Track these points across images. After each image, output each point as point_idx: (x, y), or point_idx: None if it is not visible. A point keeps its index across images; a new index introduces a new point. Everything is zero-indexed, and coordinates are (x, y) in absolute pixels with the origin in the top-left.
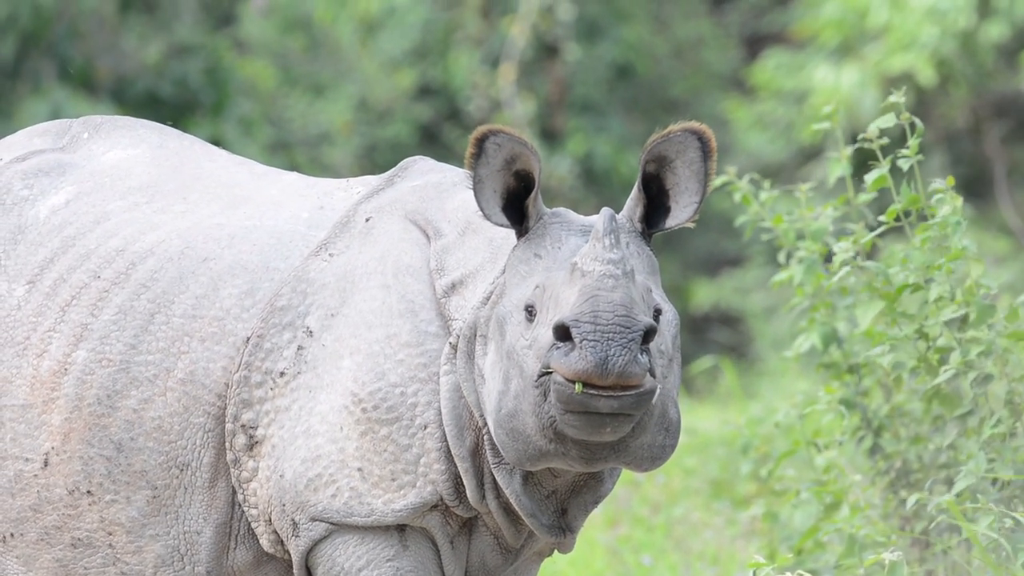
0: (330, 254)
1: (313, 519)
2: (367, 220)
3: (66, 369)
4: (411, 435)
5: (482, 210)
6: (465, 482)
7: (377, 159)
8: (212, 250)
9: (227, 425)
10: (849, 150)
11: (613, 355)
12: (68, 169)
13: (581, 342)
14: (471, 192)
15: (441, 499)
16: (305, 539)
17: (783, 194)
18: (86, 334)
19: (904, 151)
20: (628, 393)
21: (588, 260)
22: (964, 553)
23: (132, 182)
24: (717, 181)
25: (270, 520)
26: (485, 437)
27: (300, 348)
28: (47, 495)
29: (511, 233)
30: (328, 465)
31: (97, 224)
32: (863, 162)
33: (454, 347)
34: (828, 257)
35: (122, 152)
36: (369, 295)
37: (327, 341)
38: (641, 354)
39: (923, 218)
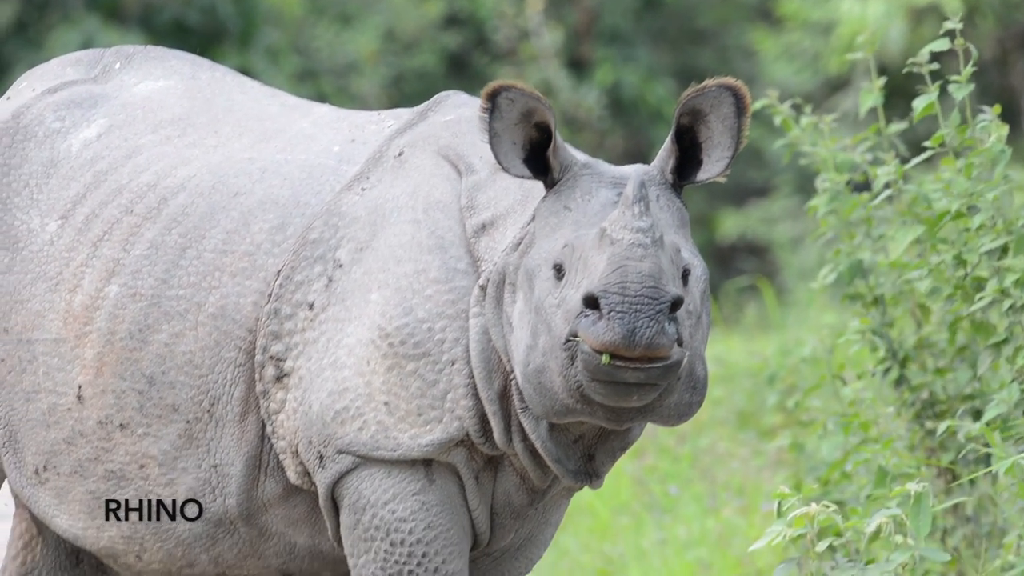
0: (362, 188)
1: (340, 452)
2: (399, 154)
3: (98, 304)
4: (438, 371)
5: (500, 162)
6: (492, 425)
7: (405, 89)
8: (243, 184)
9: (256, 357)
10: (881, 80)
11: (640, 327)
12: (100, 101)
13: (609, 313)
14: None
15: (467, 435)
16: (331, 471)
17: (815, 123)
18: (118, 269)
19: (955, 77)
20: (655, 365)
21: (617, 227)
22: (991, 485)
23: (164, 115)
24: (756, 105)
25: (297, 452)
26: (513, 382)
27: (330, 281)
28: (80, 428)
29: None
30: (355, 398)
31: (129, 158)
32: (891, 94)
33: (484, 290)
34: (859, 188)
35: (154, 84)
36: (399, 229)
37: (356, 274)
38: (668, 324)
39: (955, 153)
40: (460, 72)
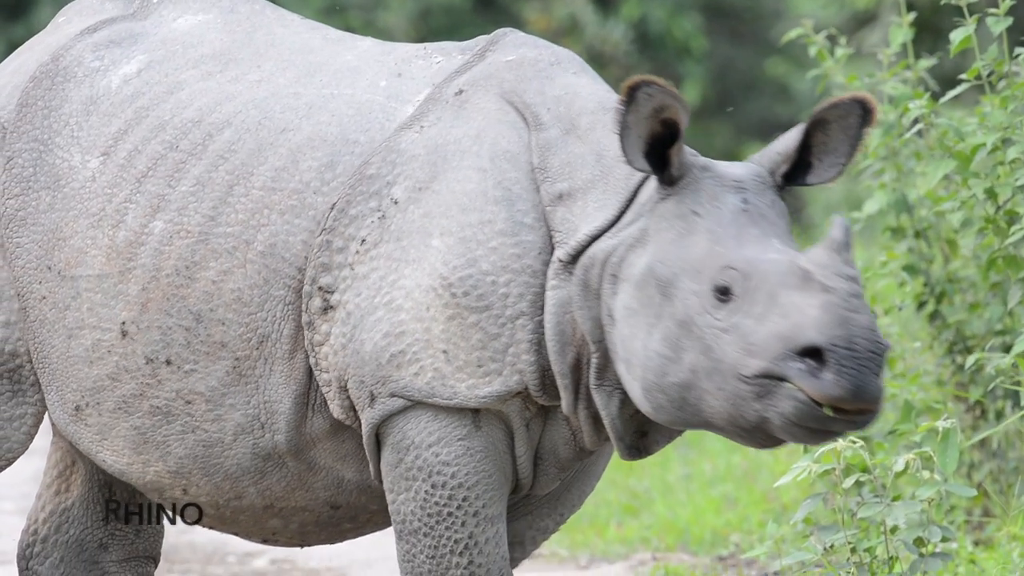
0: (421, 126)
1: (393, 394)
2: (459, 93)
3: (142, 240)
4: (500, 325)
5: (626, 155)
6: (562, 394)
7: (431, 23)
8: (290, 120)
9: (304, 287)
10: (911, 16)
11: (867, 382)
12: (139, 38)
13: (838, 369)
14: (575, 81)
15: (526, 388)
16: (380, 411)
17: (850, 55)
18: (163, 205)
19: (993, 10)
20: (870, 415)
21: (828, 273)
22: (1018, 421)
23: (204, 50)
24: (792, 34)
25: (343, 387)
26: (593, 359)
27: (384, 217)
28: (125, 364)
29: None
30: (412, 343)
31: (170, 94)
32: (919, 30)
33: (564, 264)
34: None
35: (193, 18)
36: (463, 175)
37: (414, 215)
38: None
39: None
40: (487, 7)
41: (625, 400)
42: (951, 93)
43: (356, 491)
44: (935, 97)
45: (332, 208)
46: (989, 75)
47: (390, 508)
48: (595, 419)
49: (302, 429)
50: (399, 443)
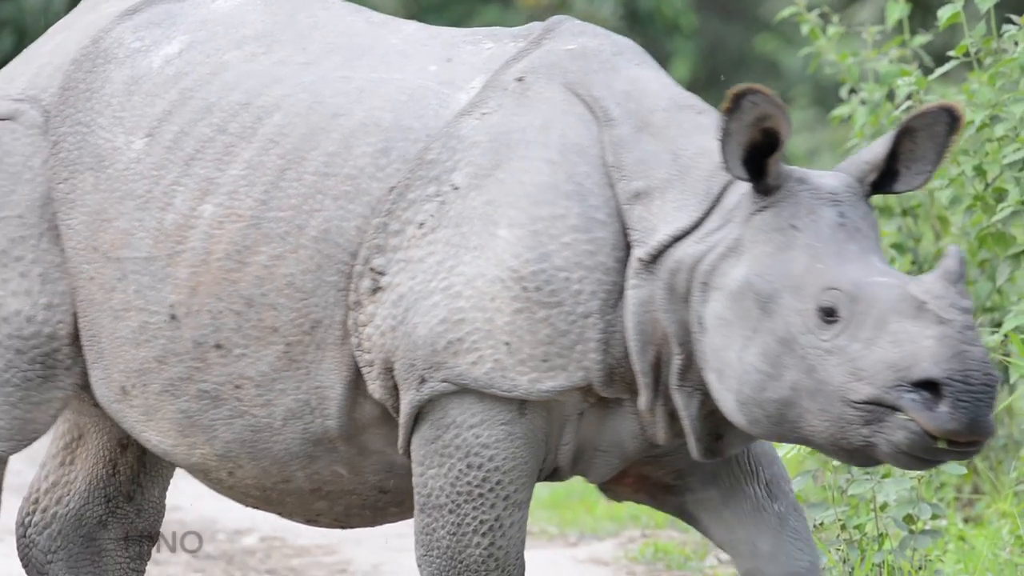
0: (482, 113)
1: (446, 380)
2: (519, 80)
3: (192, 223)
4: (570, 322)
5: (725, 161)
6: (641, 393)
7: (421, 1)
8: (341, 105)
9: (356, 267)
10: None
11: (981, 416)
12: (178, 18)
13: (954, 403)
14: (640, 74)
15: (589, 384)
16: (427, 394)
17: (842, 33)
18: (212, 188)
19: None
20: (979, 446)
21: (944, 305)
22: (1006, 395)
23: (246, 31)
24: (785, 12)
25: (388, 369)
26: (677, 359)
27: (443, 203)
28: (173, 347)
29: (702, 152)
30: (472, 332)
31: (215, 75)
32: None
33: (644, 263)
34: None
35: None
36: (531, 166)
37: (475, 201)
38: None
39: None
40: None
41: (704, 402)
42: (939, 70)
43: (406, 475)
44: (927, 73)
45: (391, 191)
46: (977, 52)
47: (415, 480)
48: (671, 417)
49: (353, 414)
50: (439, 420)
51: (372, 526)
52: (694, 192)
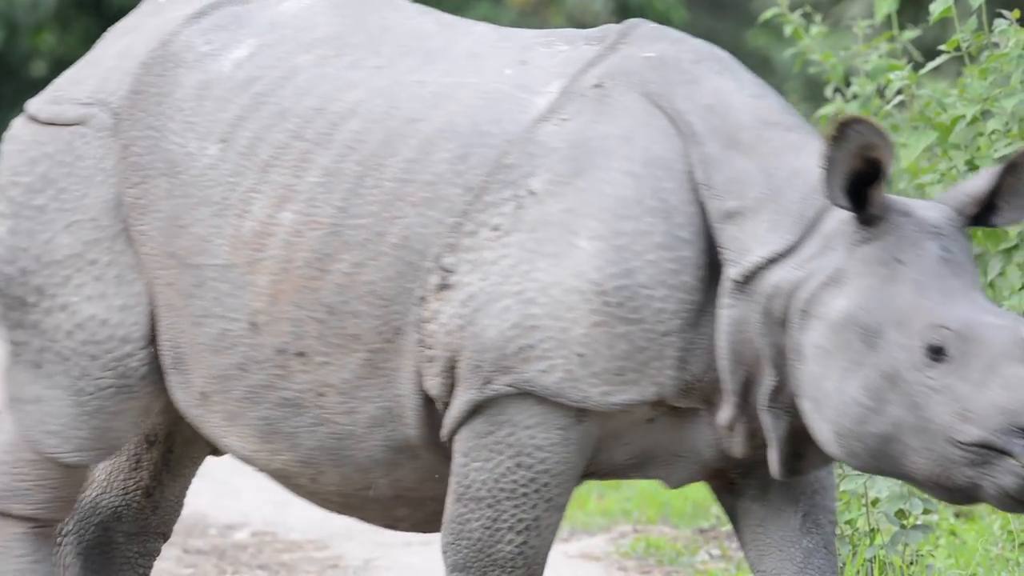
0: (562, 119)
1: (512, 385)
2: (597, 86)
3: (271, 231)
4: (650, 339)
5: (828, 190)
6: (725, 410)
7: None
8: (417, 110)
9: (426, 263)
10: None
11: None
12: (245, 21)
13: None
14: (722, 85)
15: (661, 399)
16: (489, 394)
17: (829, 30)
18: (291, 195)
19: None
20: None
21: None
22: None
23: (316, 34)
24: (768, 13)
25: (450, 368)
26: (769, 381)
27: (519, 207)
28: (254, 355)
29: (795, 173)
30: (545, 340)
31: (287, 80)
32: (902, 2)
33: (739, 284)
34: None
35: (298, 1)
36: (612, 178)
37: (553, 208)
38: None
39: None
40: None
41: (792, 423)
42: (930, 65)
43: None
44: (917, 68)
45: (467, 192)
46: (969, 47)
47: (456, 469)
48: (752, 434)
49: (432, 422)
50: (495, 417)
51: None
52: (787, 214)
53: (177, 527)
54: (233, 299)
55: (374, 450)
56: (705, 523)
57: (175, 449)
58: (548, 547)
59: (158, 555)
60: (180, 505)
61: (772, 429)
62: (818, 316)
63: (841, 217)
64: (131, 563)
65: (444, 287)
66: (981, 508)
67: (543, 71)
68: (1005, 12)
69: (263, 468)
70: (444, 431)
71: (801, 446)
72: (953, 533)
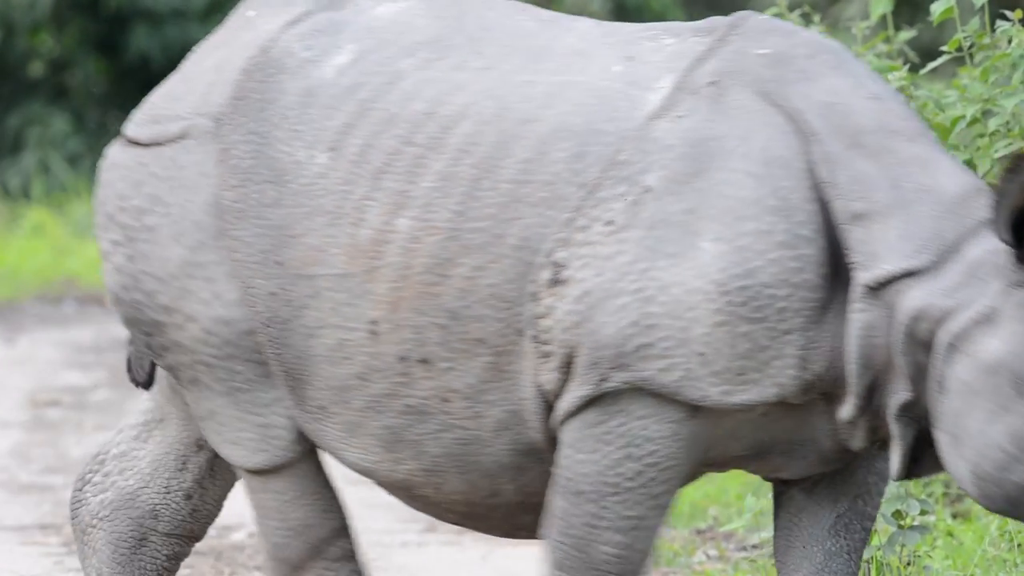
0: (677, 116)
1: (628, 382)
2: (712, 83)
3: (388, 238)
4: (771, 338)
5: (996, 223)
6: (848, 408)
7: None
8: (529, 110)
9: (537, 258)
10: None
11: None
12: (341, 27)
13: None
14: (838, 84)
15: (782, 399)
16: (604, 390)
17: (828, 30)
18: (406, 202)
19: None
20: None
21: None
22: None
23: (416, 36)
24: (767, 12)
25: (567, 364)
26: (904, 394)
27: (635, 203)
28: (375, 364)
29: (923, 189)
30: (665, 339)
31: (392, 85)
32: (898, 3)
33: (871, 289)
34: None
35: (393, 5)
36: (734, 179)
37: (673, 207)
38: None
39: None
40: None
41: (918, 432)
42: (931, 65)
43: None
44: (914, 69)
45: (581, 188)
46: (970, 47)
47: (561, 461)
48: (871, 431)
49: (552, 422)
50: (609, 407)
51: None
52: (921, 228)
53: None
54: (351, 308)
55: (500, 455)
56: (702, 524)
57: (221, 456)
58: (646, 556)
59: (186, 557)
60: (217, 511)
61: (901, 436)
62: (967, 353)
63: (989, 248)
64: (159, 562)
65: (556, 282)
66: (978, 509)
67: (652, 66)
68: (1008, 12)
69: (385, 479)
70: (550, 422)
71: (920, 450)
72: (950, 534)
